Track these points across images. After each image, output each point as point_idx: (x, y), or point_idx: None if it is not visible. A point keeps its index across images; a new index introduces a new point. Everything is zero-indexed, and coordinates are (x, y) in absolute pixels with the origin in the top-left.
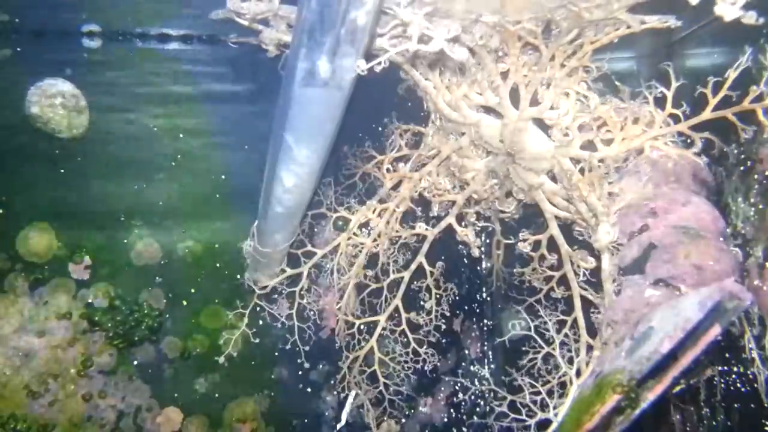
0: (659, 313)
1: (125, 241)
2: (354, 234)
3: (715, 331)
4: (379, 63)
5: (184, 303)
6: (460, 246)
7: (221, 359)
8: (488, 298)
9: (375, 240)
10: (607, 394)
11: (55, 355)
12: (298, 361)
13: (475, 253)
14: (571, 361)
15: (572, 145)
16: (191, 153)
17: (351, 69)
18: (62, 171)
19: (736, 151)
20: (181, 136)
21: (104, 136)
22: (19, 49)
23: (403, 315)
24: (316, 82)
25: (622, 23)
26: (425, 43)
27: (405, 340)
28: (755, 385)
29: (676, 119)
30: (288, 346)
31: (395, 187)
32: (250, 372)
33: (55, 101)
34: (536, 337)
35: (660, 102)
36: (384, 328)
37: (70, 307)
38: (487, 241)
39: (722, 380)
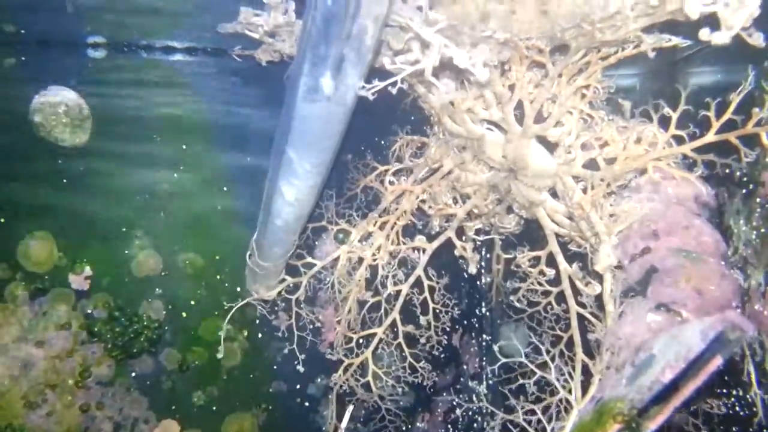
0: (661, 341)
1: (126, 252)
2: (354, 247)
3: (716, 362)
4: (393, 84)
5: (184, 315)
6: (460, 260)
7: (221, 353)
8: (487, 313)
9: (374, 254)
10: (608, 422)
11: (54, 366)
12: (297, 373)
13: (473, 268)
14: (567, 382)
15: (575, 164)
16: (194, 164)
17: (354, 85)
18: (64, 180)
19: (738, 173)
20: (183, 147)
21: (107, 147)
22: (24, 58)
23: (401, 329)
24: (319, 98)
25: (630, 43)
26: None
27: (402, 354)
28: (754, 409)
29: (679, 140)
30: (286, 360)
31: (396, 200)
32: (248, 385)
33: (58, 110)
34: (531, 356)
35: (663, 121)
36: (381, 340)
37: (70, 318)
38: (487, 255)
39: (721, 403)
